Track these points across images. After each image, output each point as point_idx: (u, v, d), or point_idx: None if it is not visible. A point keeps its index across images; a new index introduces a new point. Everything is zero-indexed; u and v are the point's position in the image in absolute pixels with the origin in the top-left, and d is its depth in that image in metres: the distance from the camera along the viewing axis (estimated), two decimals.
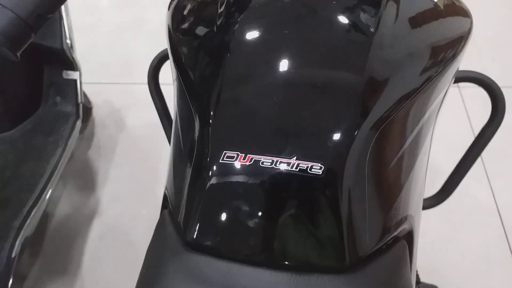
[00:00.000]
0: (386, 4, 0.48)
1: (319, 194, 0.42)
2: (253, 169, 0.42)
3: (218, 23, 0.50)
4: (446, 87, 0.54)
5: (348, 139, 0.42)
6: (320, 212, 0.42)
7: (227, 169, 0.43)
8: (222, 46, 0.48)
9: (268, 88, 0.45)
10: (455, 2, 0.54)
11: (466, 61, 0.62)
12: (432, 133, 0.54)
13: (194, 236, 0.44)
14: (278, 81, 0.45)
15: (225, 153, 0.43)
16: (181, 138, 0.51)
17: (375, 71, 0.44)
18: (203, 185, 0.44)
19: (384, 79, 0.45)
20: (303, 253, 0.42)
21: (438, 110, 0.55)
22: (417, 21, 0.49)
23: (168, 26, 0.56)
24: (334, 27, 0.47)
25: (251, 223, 0.42)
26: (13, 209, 1.02)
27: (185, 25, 0.54)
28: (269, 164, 0.42)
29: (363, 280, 0.42)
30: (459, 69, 0.57)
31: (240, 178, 0.42)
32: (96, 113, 1.54)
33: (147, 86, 0.72)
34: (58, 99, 1.26)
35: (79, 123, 1.25)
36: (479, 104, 1.28)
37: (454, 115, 1.51)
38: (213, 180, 0.43)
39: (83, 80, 1.26)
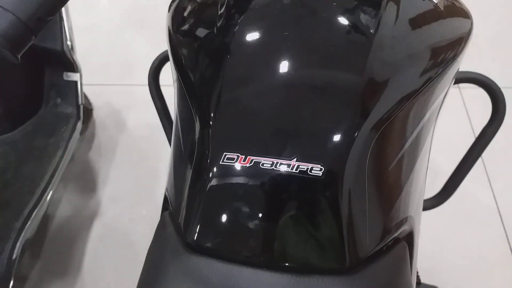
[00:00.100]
0: (386, 5, 0.48)
1: (319, 195, 0.41)
2: (253, 170, 0.42)
3: (218, 24, 0.50)
4: (447, 88, 0.54)
5: (348, 140, 0.42)
6: (320, 213, 0.42)
7: (228, 171, 0.43)
8: (222, 48, 0.48)
9: (268, 89, 0.45)
10: (455, 3, 0.54)
11: (467, 61, 0.62)
12: (433, 134, 0.54)
13: (195, 238, 0.44)
14: (278, 82, 0.45)
15: (225, 155, 0.43)
16: (181, 140, 0.51)
17: (375, 72, 0.44)
18: (204, 186, 0.44)
19: (384, 80, 0.45)
20: (303, 254, 0.42)
21: (439, 111, 0.55)
22: (417, 22, 0.49)
23: (168, 27, 0.56)
24: (334, 28, 0.47)
25: (251, 225, 0.42)
26: (14, 210, 1.02)
27: (185, 27, 0.54)
28: (269, 165, 0.42)
29: (363, 281, 0.42)
30: (460, 69, 0.57)
31: (240, 180, 0.42)
32: (97, 114, 1.55)
33: (147, 87, 0.72)
34: (58, 100, 1.26)
35: (79, 125, 1.25)
36: (479, 104, 1.28)
37: (454, 116, 1.51)
38: (214, 182, 0.43)
39: (83, 82, 1.27)
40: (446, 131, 1.40)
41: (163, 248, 0.47)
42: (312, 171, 0.41)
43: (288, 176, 0.41)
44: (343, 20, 0.47)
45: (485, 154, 0.74)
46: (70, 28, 1.19)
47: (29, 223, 1.01)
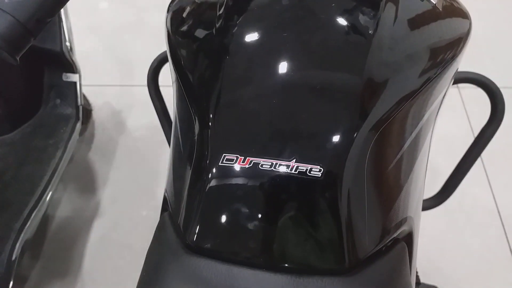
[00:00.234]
0: (385, 5, 0.48)
1: (318, 196, 0.41)
2: (253, 171, 0.42)
3: (217, 25, 0.50)
4: (446, 88, 0.54)
5: (347, 141, 0.42)
6: (319, 214, 0.42)
7: (227, 172, 0.43)
8: (221, 49, 0.48)
9: (267, 90, 0.45)
10: (454, 3, 0.54)
11: (466, 61, 0.63)
12: (432, 134, 0.54)
13: (194, 239, 0.44)
14: (277, 83, 0.45)
15: (225, 156, 0.43)
16: (180, 141, 0.51)
17: (374, 73, 0.44)
18: (203, 187, 0.44)
19: (383, 80, 0.45)
20: (303, 255, 0.42)
21: (438, 111, 0.55)
22: (416, 22, 0.49)
23: (167, 28, 0.56)
24: (332, 29, 0.47)
25: (250, 226, 0.42)
26: (14, 211, 1.02)
27: (184, 28, 0.54)
28: (269, 166, 0.42)
29: (362, 282, 0.42)
30: (459, 70, 0.57)
31: (239, 181, 0.42)
32: (96, 115, 1.55)
33: (146, 88, 0.72)
34: (58, 101, 1.26)
35: (79, 125, 1.25)
36: (478, 104, 1.28)
37: (453, 116, 1.51)
38: (213, 183, 0.43)
39: (82, 82, 1.27)
40: (445, 131, 1.40)
41: (162, 249, 0.47)
42: (311, 172, 0.41)
43: (287, 177, 0.41)
44: (342, 21, 0.47)
45: (485, 154, 0.74)
46: (69, 29, 1.19)
47: (28, 223, 1.01)
